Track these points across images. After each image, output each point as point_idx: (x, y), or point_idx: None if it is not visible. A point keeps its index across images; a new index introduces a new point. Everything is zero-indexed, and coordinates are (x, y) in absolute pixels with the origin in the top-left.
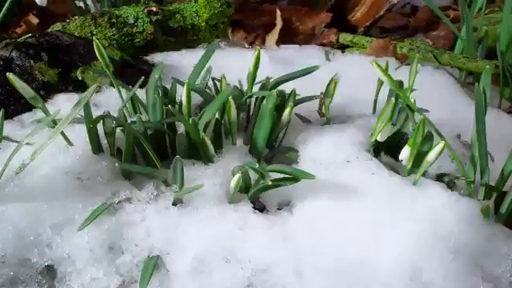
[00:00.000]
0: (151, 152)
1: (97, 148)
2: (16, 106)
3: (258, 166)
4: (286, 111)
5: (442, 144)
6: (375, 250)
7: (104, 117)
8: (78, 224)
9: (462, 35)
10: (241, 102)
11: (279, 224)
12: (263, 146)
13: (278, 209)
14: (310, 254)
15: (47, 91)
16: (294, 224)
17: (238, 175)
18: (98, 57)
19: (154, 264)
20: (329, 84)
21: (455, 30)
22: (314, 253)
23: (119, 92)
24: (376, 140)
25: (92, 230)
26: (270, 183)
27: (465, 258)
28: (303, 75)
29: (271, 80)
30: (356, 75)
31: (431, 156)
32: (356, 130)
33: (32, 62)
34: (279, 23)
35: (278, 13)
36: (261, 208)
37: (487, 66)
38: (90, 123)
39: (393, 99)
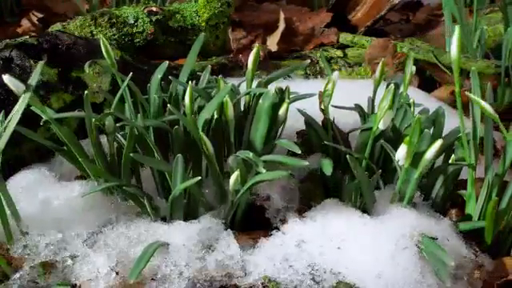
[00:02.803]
0: (154, 147)
1: (97, 147)
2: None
3: (251, 154)
4: (283, 108)
5: (439, 141)
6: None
7: (107, 114)
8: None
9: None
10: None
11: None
12: (261, 146)
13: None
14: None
15: (47, 91)
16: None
17: (236, 173)
18: (105, 55)
19: (153, 250)
20: (327, 84)
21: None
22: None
23: (123, 89)
24: (378, 128)
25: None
26: (264, 171)
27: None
28: (293, 71)
29: (261, 79)
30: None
31: (429, 154)
32: None
33: (32, 61)
34: (282, 25)
35: (282, 15)
36: (260, 207)
37: (473, 68)
38: (96, 120)
39: (392, 85)
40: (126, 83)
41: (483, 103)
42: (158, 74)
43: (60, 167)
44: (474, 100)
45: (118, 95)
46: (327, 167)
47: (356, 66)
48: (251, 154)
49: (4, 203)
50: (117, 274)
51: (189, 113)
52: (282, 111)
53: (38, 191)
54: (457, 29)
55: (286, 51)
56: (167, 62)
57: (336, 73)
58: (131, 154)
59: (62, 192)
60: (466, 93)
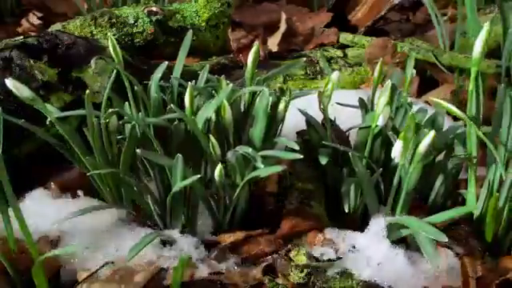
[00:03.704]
0: (156, 145)
1: (98, 146)
2: (17, 107)
3: (250, 150)
4: (281, 106)
5: (432, 133)
6: None
7: (112, 113)
8: None
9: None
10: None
11: None
12: (259, 144)
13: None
14: None
15: (47, 91)
16: None
17: (219, 166)
18: (112, 53)
19: (150, 239)
20: (326, 84)
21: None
22: None
23: (128, 86)
24: (377, 126)
25: None
26: (262, 166)
27: None
28: (289, 69)
29: (258, 78)
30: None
31: (422, 146)
32: None
33: (32, 61)
34: (283, 26)
35: (283, 16)
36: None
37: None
38: (104, 119)
39: (389, 81)
40: (111, 80)
41: (452, 107)
42: (157, 74)
43: None
44: (441, 105)
45: (107, 92)
46: (323, 158)
47: (356, 66)
48: (250, 150)
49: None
50: (112, 263)
51: (189, 113)
52: (280, 109)
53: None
54: (484, 29)
55: (286, 51)
56: (166, 62)
57: (336, 72)
58: (138, 150)
59: (65, 201)
60: (432, 98)
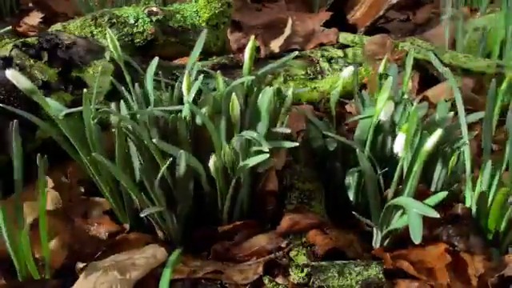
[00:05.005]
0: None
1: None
2: (17, 106)
3: (256, 134)
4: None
5: (439, 131)
6: None
7: (104, 112)
8: None
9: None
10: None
11: None
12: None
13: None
14: None
15: (47, 91)
16: None
17: (213, 157)
18: (111, 49)
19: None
20: (336, 80)
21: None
22: None
23: (130, 80)
24: (378, 119)
25: None
26: (268, 150)
27: None
28: (285, 63)
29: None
30: None
31: (430, 143)
32: None
33: (32, 61)
34: (288, 30)
35: (290, 20)
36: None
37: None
38: (93, 118)
39: (390, 78)
40: (96, 82)
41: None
42: (150, 71)
43: None
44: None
45: (95, 91)
46: (331, 144)
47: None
48: (255, 134)
49: None
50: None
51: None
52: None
53: None
54: None
55: (286, 51)
56: (157, 57)
57: (350, 67)
58: (154, 140)
59: None
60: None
